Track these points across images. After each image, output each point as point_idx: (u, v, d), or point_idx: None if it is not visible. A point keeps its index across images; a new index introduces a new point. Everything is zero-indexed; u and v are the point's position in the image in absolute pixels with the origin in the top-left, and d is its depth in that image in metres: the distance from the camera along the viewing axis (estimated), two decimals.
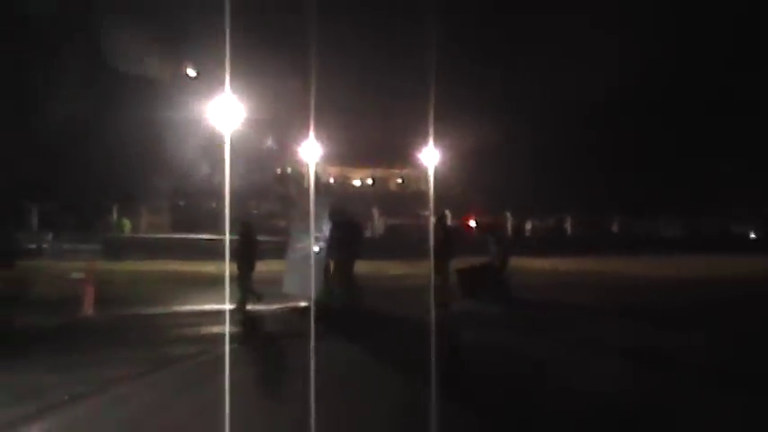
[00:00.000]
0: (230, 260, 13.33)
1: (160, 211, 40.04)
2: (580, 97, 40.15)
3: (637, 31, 39.97)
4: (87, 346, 10.38)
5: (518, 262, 17.50)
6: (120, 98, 35.41)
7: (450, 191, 42.64)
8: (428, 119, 21.10)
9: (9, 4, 32.46)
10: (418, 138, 32.40)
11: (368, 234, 39.09)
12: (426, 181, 44.05)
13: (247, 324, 12.62)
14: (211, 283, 15.87)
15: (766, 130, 42.33)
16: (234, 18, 7.75)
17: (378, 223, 41.92)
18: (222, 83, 19.35)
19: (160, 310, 14.18)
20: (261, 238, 15.62)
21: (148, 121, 34.92)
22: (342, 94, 36.62)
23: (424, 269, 15.26)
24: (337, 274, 14.36)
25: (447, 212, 15.45)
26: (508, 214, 37.51)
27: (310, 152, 32.19)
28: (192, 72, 42.64)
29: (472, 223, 36.62)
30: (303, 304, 13.51)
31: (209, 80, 32.34)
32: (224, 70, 12.41)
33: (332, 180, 54.29)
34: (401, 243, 30.25)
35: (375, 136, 47.00)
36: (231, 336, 10.17)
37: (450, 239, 14.53)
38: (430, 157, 31.06)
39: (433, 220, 15.83)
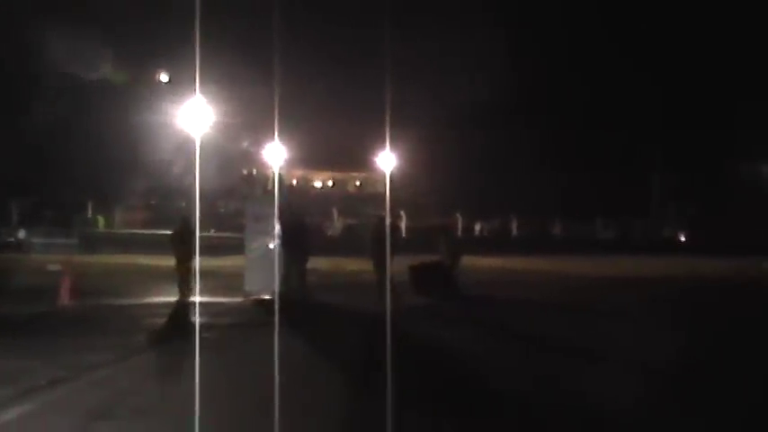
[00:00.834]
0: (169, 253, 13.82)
1: (134, 208, 39.87)
2: (521, 99, 40.61)
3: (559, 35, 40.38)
4: (65, 333, 10.56)
5: (468, 260, 17.88)
6: (97, 102, 35.12)
7: (405, 192, 42.99)
8: (385, 125, 21.33)
9: None
10: (376, 143, 32.87)
11: (329, 233, 39.49)
12: (383, 183, 44.38)
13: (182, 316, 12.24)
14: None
15: (695, 143, 43.71)
16: (204, 27, 7.97)
17: (337, 223, 42.31)
18: (193, 88, 19.46)
19: (134, 300, 14.36)
20: (228, 234, 15.83)
21: (123, 123, 34.72)
22: (305, 101, 36.82)
23: None
24: (288, 271, 14.83)
25: (383, 214, 15.73)
26: (458, 215, 38.16)
27: (275, 155, 32.25)
28: (164, 78, 42.45)
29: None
30: (267, 297, 13.81)
31: (181, 86, 32.25)
32: (194, 77, 12.48)
33: (294, 182, 54.38)
34: (359, 241, 30.47)
35: (335, 141, 47.35)
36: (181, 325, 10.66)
37: (383, 239, 13.99)
38: (386, 161, 31.51)
39: (388, 221, 15.93)
